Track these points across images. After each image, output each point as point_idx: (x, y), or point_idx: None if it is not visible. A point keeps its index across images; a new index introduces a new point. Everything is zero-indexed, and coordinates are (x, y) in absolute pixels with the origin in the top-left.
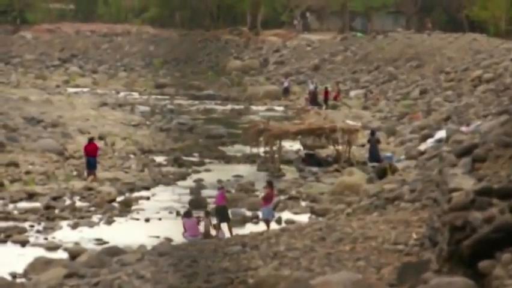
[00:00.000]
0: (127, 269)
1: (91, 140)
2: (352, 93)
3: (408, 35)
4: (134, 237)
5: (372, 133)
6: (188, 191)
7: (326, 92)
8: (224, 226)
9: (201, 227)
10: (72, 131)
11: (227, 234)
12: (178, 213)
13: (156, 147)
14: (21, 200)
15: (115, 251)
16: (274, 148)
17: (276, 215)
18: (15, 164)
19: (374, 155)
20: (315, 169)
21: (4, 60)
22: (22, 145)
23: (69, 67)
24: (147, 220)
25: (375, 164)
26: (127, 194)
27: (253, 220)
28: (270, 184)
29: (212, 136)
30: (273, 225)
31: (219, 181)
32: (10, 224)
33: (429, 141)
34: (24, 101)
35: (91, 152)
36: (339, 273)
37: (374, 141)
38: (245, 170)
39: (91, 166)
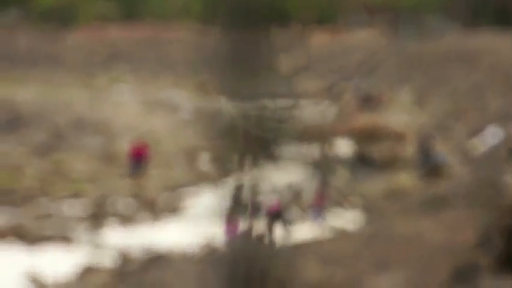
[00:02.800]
0: (174, 270)
1: (138, 141)
2: (400, 94)
3: (460, 34)
4: (179, 237)
5: (424, 136)
6: (234, 191)
7: (374, 93)
8: (276, 229)
9: (244, 229)
10: (118, 131)
11: (279, 237)
12: (223, 214)
13: (202, 146)
14: (67, 199)
15: (161, 252)
16: (327, 147)
17: (328, 215)
18: (61, 164)
19: (426, 158)
20: (367, 169)
21: (49, 63)
22: (69, 145)
23: (115, 68)
24: (192, 220)
25: (427, 164)
26: (173, 194)
27: (305, 222)
28: (322, 184)
29: (262, 135)
30: (325, 227)
31: (271, 185)
32: (56, 223)
33: (481, 138)
34: (70, 103)
35: (139, 153)
36: (391, 275)
37: (425, 144)
38: (297, 170)
39: (138, 167)
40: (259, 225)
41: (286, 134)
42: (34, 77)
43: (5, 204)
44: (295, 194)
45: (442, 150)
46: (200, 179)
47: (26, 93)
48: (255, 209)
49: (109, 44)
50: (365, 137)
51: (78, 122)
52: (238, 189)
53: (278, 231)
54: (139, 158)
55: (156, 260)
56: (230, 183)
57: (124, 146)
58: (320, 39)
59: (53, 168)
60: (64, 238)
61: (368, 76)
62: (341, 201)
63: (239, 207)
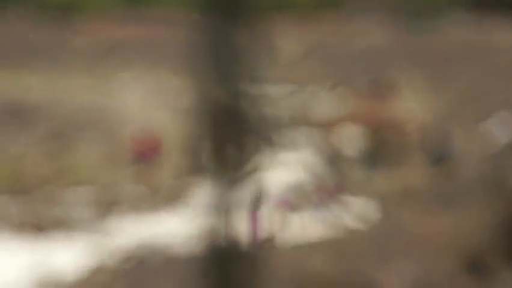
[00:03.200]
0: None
1: (143, 135)
2: (411, 81)
3: (473, 22)
4: (182, 229)
5: (439, 130)
6: (247, 183)
7: (383, 80)
8: (284, 223)
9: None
10: (125, 119)
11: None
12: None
13: (204, 136)
14: (74, 187)
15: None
16: (334, 136)
17: (338, 210)
18: (69, 152)
19: (438, 151)
20: (377, 160)
21: (54, 53)
22: (76, 134)
23: (119, 58)
24: (197, 212)
25: (440, 159)
26: (179, 184)
27: (314, 216)
28: (331, 175)
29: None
30: (334, 221)
31: (278, 184)
32: (63, 212)
33: (492, 126)
34: (76, 92)
35: (145, 149)
36: (401, 268)
37: (438, 136)
38: (302, 160)
39: (145, 163)
40: (265, 220)
41: (282, 122)
42: (38, 67)
43: (12, 193)
44: (304, 186)
45: (456, 140)
46: (203, 169)
47: (30, 84)
48: (260, 202)
49: (113, 34)
50: (375, 125)
51: (85, 110)
52: (251, 180)
53: (285, 225)
54: (146, 155)
55: (152, 257)
56: (233, 174)
57: (130, 135)
58: (320, 28)
59: (60, 157)
60: (71, 226)
61: (376, 64)
62: (351, 194)
63: (255, 200)
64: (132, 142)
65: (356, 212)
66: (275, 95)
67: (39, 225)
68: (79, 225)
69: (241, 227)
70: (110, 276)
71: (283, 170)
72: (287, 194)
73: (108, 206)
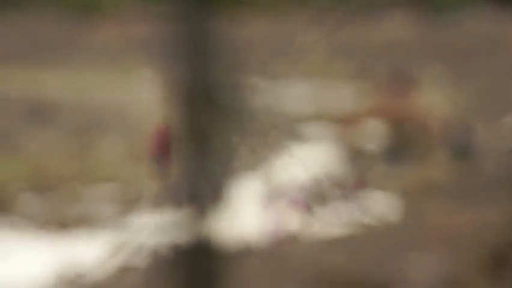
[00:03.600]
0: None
1: (164, 130)
2: (434, 74)
3: (491, 24)
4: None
5: (462, 124)
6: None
7: (405, 74)
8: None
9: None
10: (145, 115)
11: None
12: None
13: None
14: (98, 184)
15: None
16: (358, 133)
17: (359, 205)
18: (92, 149)
19: (461, 146)
20: (400, 158)
21: (75, 50)
22: (98, 129)
23: (137, 55)
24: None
25: (462, 153)
26: None
27: (335, 214)
28: (353, 174)
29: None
30: (356, 218)
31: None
32: (87, 208)
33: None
34: (97, 89)
35: (165, 145)
36: (424, 262)
37: (461, 131)
38: (330, 157)
39: (164, 159)
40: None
41: (301, 116)
42: (58, 65)
43: (35, 190)
44: (324, 181)
45: (479, 135)
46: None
47: (51, 81)
48: (275, 198)
49: (132, 31)
50: (397, 120)
51: (106, 107)
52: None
53: (305, 222)
54: (166, 151)
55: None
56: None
57: (151, 131)
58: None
59: (82, 154)
60: (94, 223)
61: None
62: (372, 190)
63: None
64: (152, 138)
65: (377, 207)
66: (296, 90)
67: (62, 222)
68: (101, 222)
69: (251, 223)
70: (132, 273)
71: (303, 165)
72: (307, 190)
73: (131, 202)
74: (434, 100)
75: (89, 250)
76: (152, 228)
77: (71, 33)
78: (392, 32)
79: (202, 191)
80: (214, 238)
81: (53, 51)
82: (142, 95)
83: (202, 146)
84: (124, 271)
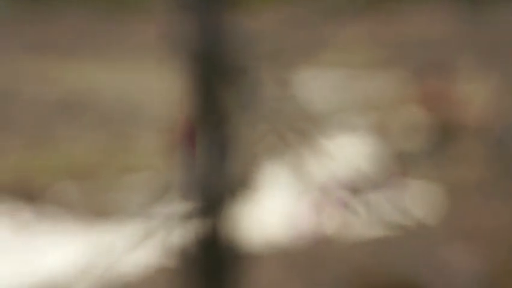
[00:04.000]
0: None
1: (186, 120)
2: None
3: None
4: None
5: (501, 119)
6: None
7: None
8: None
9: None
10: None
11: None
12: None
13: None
14: (129, 174)
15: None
16: (397, 125)
17: (397, 199)
18: (122, 139)
19: (500, 141)
20: (438, 151)
21: (101, 47)
22: (127, 121)
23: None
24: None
25: (502, 148)
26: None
27: (373, 208)
28: (390, 166)
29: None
30: (393, 213)
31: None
32: (118, 198)
33: None
34: (125, 83)
35: (189, 134)
36: (463, 260)
37: (501, 127)
38: (367, 149)
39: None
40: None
41: (340, 107)
42: (87, 58)
43: (70, 179)
44: (362, 174)
45: None
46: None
47: (82, 74)
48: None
49: (158, 26)
50: (436, 113)
51: (138, 98)
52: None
53: (342, 219)
54: (190, 138)
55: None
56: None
57: (179, 121)
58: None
59: (113, 144)
60: (127, 213)
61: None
62: (411, 182)
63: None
64: (180, 129)
65: (417, 203)
66: (333, 81)
67: (97, 211)
68: (134, 211)
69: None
70: (160, 265)
71: (338, 158)
72: (342, 185)
73: (162, 192)
74: (473, 93)
75: (122, 239)
76: (177, 220)
77: (103, 28)
78: (430, 24)
79: (224, 184)
80: (234, 236)
81: (84, 46)
82: (172, 87)
83: (225, 137)
84: (151, 264)
